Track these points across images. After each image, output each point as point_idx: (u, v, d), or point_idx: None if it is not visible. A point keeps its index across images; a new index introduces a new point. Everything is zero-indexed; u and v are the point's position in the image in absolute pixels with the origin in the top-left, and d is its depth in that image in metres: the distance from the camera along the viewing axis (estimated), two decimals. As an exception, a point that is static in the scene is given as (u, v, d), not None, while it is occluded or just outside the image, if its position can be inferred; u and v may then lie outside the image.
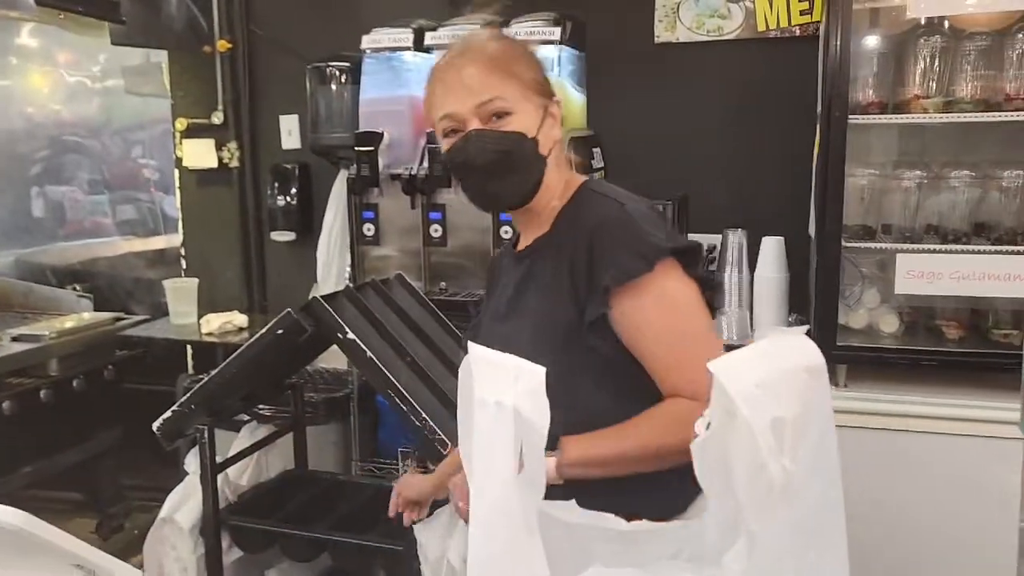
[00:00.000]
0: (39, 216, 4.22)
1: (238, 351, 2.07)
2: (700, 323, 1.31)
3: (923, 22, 2.34)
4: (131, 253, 4.05)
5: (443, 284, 2.74)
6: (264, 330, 2.02)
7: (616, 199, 1.38)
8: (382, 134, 2.65)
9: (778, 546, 0.76)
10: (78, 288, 3.76)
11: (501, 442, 0.75)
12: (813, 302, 2.42)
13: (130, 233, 4.14)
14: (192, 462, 1.99)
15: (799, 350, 0.81)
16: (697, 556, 0.81)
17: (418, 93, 2.71)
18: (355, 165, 2.68)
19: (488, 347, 0.93)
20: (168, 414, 1.96)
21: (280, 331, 2.01)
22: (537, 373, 0.80)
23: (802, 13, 2.93)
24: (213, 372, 2.04)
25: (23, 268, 3.99)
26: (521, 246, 1.47)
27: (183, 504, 1.92)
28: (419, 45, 2.69)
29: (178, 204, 3.72)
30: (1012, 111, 2.23)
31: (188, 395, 1.99)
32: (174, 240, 3.85)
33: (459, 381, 0.80)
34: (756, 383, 0.76)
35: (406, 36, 2.69)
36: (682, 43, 3.05)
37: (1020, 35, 2.25)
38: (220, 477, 2.20)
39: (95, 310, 3.63)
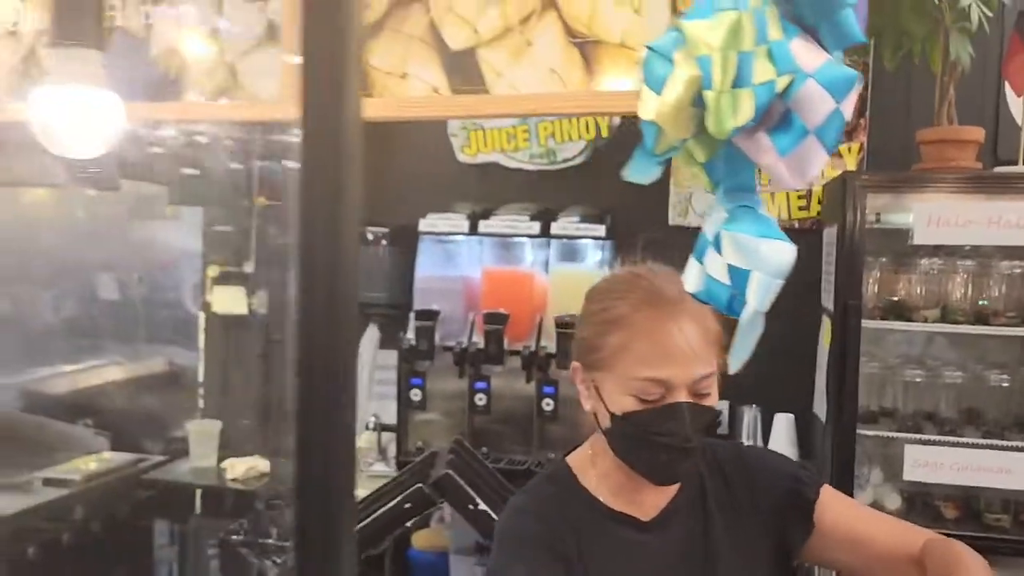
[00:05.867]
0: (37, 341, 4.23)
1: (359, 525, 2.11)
2: None
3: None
4: (140, 384, 4.09)
5: (484, 449, 2.94)
6: (393, 503, 2.05)
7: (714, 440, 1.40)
8: (438, 312, 2.88)
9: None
10: (90, 423, 3.79)
11: None
12: (830, 481, 2.69)
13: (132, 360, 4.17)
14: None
15: None
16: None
17: (470, 274, 3.00)
18: (412, 337, 2.89)
19: None
20: None
21: (408, 505, 2.05)
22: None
23: (800, 208, 3.31)
24: None
25: (28, 400, 3.98)
26: (638, 513, 1.30)
27: None
28: (473, 230, 2.95)
29: (201, 346, 3.83)
30: (1000, 326, 2.59)
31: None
32: (187, 371, 3.93)
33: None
34: None
35: (461, 221, 2.95)
36: (694, 227, 3.39)
37: (1004, 263, 2.64)
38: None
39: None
